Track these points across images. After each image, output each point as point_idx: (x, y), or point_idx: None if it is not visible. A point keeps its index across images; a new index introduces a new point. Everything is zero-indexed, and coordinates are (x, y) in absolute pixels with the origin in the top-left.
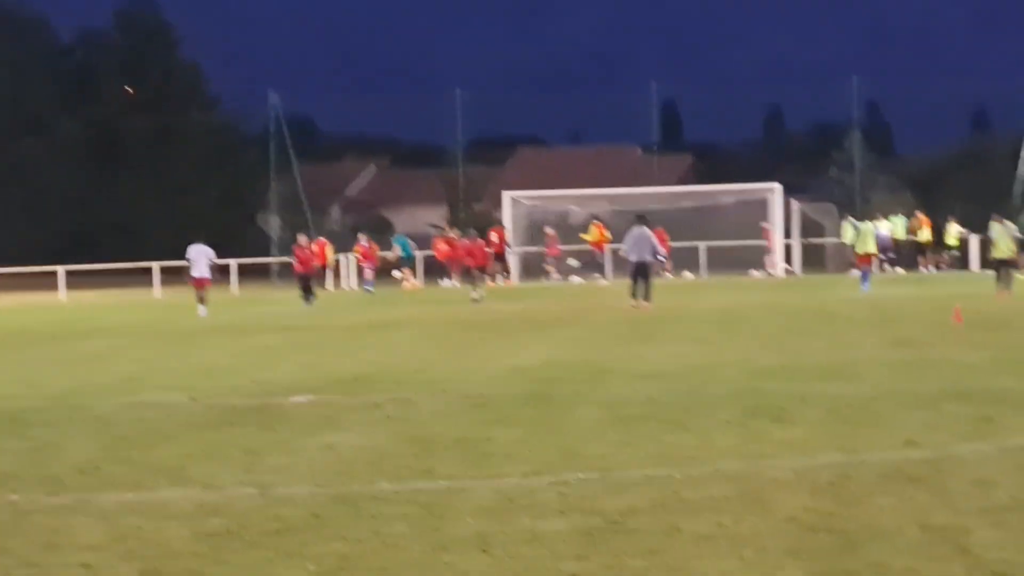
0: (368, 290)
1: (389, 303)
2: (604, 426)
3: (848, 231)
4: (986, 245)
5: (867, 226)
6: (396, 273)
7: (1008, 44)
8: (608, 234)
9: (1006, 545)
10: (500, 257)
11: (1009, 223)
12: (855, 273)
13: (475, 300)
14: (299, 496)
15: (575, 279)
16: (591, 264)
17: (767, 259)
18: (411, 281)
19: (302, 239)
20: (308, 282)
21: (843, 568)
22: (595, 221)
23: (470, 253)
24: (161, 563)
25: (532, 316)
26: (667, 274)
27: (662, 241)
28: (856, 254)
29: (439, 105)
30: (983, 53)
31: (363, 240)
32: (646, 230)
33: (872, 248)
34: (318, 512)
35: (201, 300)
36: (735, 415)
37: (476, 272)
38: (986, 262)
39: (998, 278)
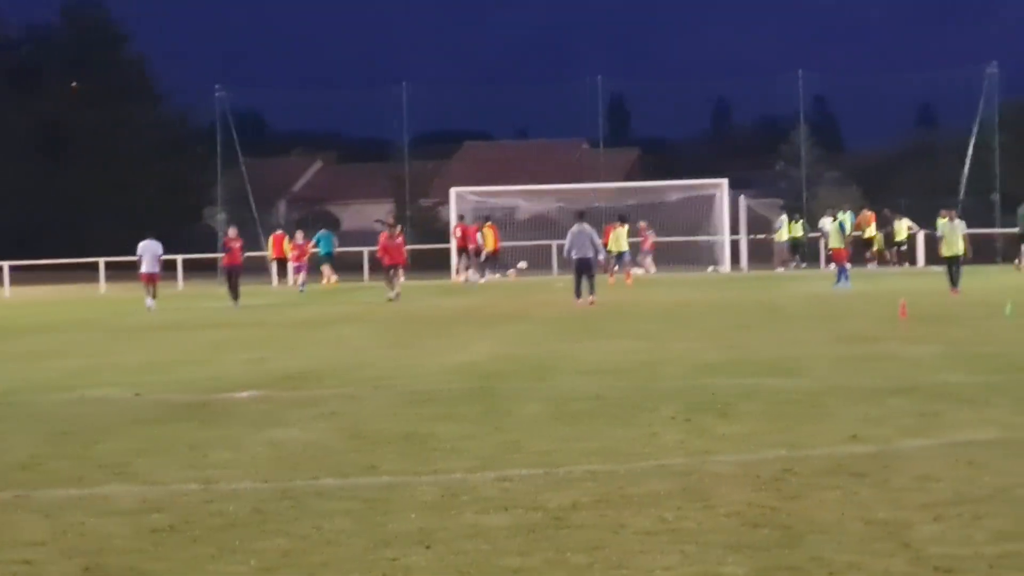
0: (302, 290)
1: (334, 300)
2: (548, 422)
3: (789, 229)
4: (933, 240)
5: (842, 219)
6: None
7: (954, 38)
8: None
9: (948, 540)
10: (477, 252)
11: (959, 219)
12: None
13: (390, 299)
14: (242, 492)
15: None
16: (492, 263)
17: (642, 259)
18: (329, 278)
19: (231, 231)
20: (236, 279)
21: (785, 563)
22: (489, 223)
23: (386, 251)
24: (103, 559)
25: (478, 312)
26: (640, 270)
27: (644, 236)
28: (833, 249)
29: (385, 100)
30: (930, 47)
31: (298, 238)
32: (587, 227)
33: (841, 244)
34: (261, 508)
35: (150, 294)
36: (680, 410)
37: (392, 270)
38: (933, 258)
39: (949, 275)
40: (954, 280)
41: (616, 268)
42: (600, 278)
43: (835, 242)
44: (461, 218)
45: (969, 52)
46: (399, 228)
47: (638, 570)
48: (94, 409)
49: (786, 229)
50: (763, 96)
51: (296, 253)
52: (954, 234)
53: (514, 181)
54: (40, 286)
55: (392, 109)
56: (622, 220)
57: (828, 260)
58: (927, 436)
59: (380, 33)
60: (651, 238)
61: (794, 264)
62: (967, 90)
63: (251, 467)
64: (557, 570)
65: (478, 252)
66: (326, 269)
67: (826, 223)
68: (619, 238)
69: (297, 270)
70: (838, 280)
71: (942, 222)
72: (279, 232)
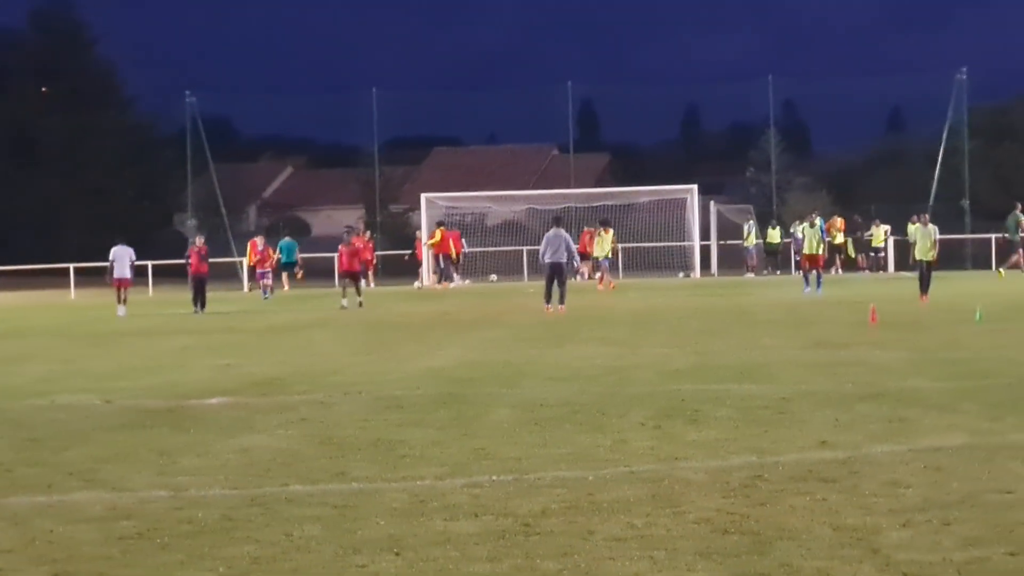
0: (266, 297)
1: (304, 306)
2: (518, 428)
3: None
4: (904, 246)
5: (815, 227)
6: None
7: (923, 44)
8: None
9: (916, 545)
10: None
11: (931, 224)
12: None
13: (343, 307)
14: (211, 498)
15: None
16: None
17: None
18: (286, 285)
19: (199, 240)
20: (202, 286)
21: (754, 569)
22: (439, 226)
23: (342, 257)
24: (72, 566)
25: (448, 318)
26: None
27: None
28: (809, 255)
29: (355, 105)
30: (898, 53)
31: (259, 244)
32: (563, 232)
33: (819, 249)
34: (230, 514)
35: (121, 300)
36: (649, 416)
37: (348, 278)
38: (903, 264)
39: (920, 279)
40: (924, 286)
41: (598, 274)
42: (582, 284)
43: (813, 248)
44: (440, 224)
45: (938, 58)
46: (367, 233)
47: None
48: (63, 415)
49: (755, 234)
50: (733, 102)
51: (259, 259)
52: (926, 238)
53: (484, 187)
54: (9, 292)
55: (362, 115)
56: (604, 225)
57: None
58: (896, 442)
59: (350, 38)
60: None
61: (767, 271)
62: (936, 96)
63: (220, 474)
64: None
65: (456, 257)
66: (285, 277)
67: (799, 229)
68: (603, 243)
69: (261, 276)
70: (807, 285)
71: (913, 227)
72: (257, 238)
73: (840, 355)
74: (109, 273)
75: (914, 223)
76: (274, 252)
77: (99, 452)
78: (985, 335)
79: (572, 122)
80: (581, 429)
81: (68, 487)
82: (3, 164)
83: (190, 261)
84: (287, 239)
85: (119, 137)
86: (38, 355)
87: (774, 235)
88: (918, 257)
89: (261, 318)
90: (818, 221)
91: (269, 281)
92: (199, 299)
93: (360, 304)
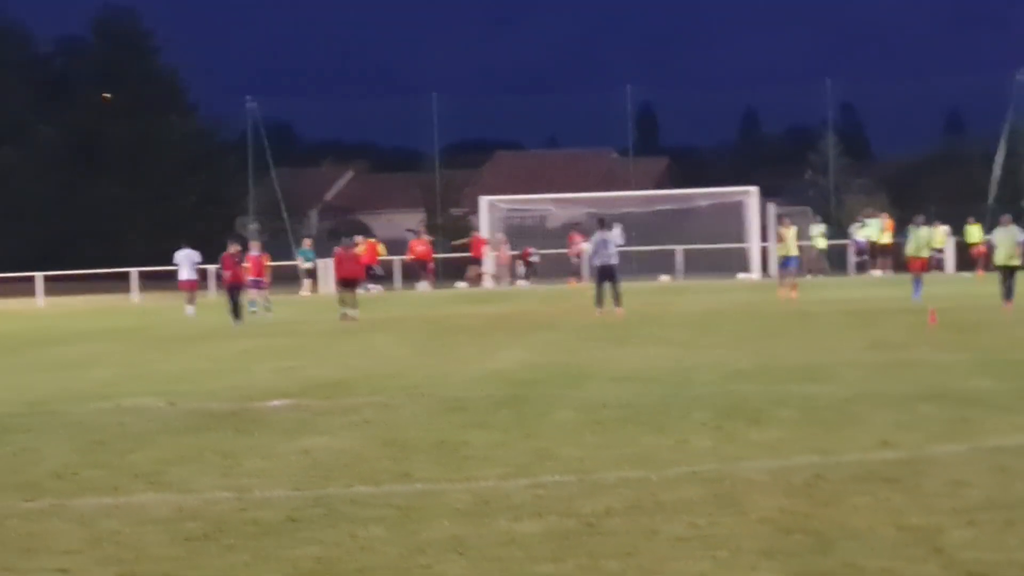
0: (252, 310)
1: (364, 309)
2: (580, 428)
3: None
4: (962, 248)
5: (923, 231)
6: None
7: (982, 45)
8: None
9: (980, 545)
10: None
11: (1014, 225)
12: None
13: (345, 316)
14: (276, 499)
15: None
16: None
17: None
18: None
19: (233, 247)
20: (237, 296)
21: (818, 569)
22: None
23: (341, 263)
24: (138, 567)
25: (508, 320)
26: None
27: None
28: (909, 258)
29: (416, 110)
30: (956, 55)
31: (254, 249)
32: (608, 234)
33: (925, 253)
34: (294, 515)
35: (189, 301)
36: (711, 417)
37: (347, 286)
38: (963, 265)
39: (1004, 285)
40: (1008, 292)
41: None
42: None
43: (920, 250)
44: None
45: (998, 59)
46: (347, 240)
47: None
48: (128, 419)
49: (821, 236)
50: (791, 105)
51: (251, 267)
52: (1009, 240)
53: (545, 190)
54: (73, 296)
55: (423, 119)
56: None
57: (861, 268)
58: (958, 442)
59: (410, 44)
60: (579, 245)
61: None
62: (996, 97)
63: (284, 475)
64: None
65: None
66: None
67: (857, 230)
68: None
69: (255, 285)
70: (917, 291)
71: (996, 229)
72: (233, 248)
73: (901, 356)
74: (178, 276)
75: (917, 225)
76: (269, 259)
77: (164, 454)
78: None
79: (631, 125)
80: (643, 430)
81: (134, 489)
82: (68, 170)
83: (235, 260)
84: (305, 248)
85: (182, 143)
86: (103, 359)
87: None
88: (1000, 263)
89: (322, 321)
90: (871, 222)
91: (262, 292)
92: (236, 309)
93: (354, 317)
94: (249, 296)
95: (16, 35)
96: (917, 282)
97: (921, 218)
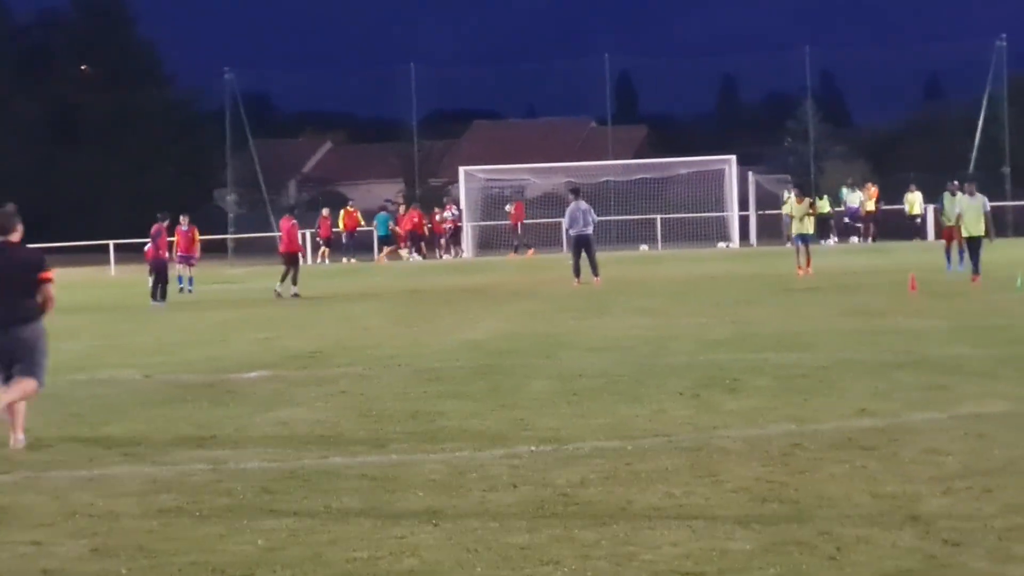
0: (189, 289)
1: (341, 279)
2: (557, 399)
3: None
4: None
5: (956, 199)
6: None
7: (962, 11)
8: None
9: (957, 513)
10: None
11: (979, 195)
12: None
13: (278, 294)
14: (251, 471)
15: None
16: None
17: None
18: (381, 259)
19: (162, 221)
20: (163, 275)
21: (794, 537)
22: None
23: (290, 238)
24: (111, 539)
25: (486, 290)
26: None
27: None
28: (950, 228)
29: (394, 80)
30: (937, 20)
31: (183, 223)
32: (584, 203)
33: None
34: (269, 487)
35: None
36: (688, 386)
37: (289, 262)
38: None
39: (971, 259)
40: (975, 265)
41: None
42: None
43: (955, 219)
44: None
45: (977, 25)
46: (404, 205)
47: (646, 546)
48: (104, 391)
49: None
50: (770, 72)
51: (182, 241)
52: (974, 211)
53: (523, 159)
54: (51, 269)
55: (401, 89)
56: (574, 193)
57: (847, 232)
58: (935, 409)
59: (388, 13)
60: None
61: (831, 239)
62: (976, 63)
63: (260, 447)
64: (565, 546)
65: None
66: (387, 250)
67: (848, 195)
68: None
69: (184, 261)
70: (950, 263)
71: (958, 197)
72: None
73: (879, 323)
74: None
75: (952, 192)
76: (197, 233)
77: (139, 426)
78: None
79: (610, 95)
80: (619, 399)
81: (108, 461)
82: (45, 142)
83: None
84: (383, 212)
85: (160, 115)
86: (79, 331)
87: (823, 205)
88: (966, 233)
89: (301, 292)
90: (848, 190)
91: (189, 269)
92: (158, 288)
93: (295, 294)
94: (177, 272)
95: None
96: (960, 253)
97: (954, 184)
